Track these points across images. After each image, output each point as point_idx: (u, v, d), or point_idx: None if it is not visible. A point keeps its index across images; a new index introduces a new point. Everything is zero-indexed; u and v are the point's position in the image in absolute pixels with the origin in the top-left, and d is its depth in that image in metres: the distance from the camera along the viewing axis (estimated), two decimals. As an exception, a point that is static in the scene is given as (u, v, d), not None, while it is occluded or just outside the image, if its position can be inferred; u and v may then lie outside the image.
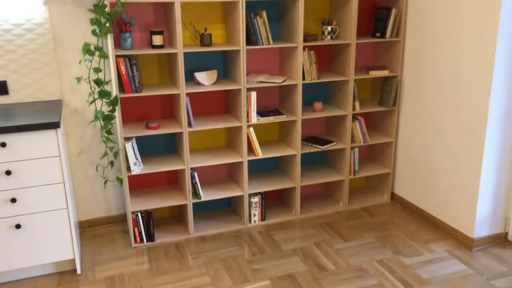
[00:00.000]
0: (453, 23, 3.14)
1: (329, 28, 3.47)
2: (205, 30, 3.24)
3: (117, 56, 2.99)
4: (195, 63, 3.44)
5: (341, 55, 3.60)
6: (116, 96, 2.99)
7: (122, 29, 3.06)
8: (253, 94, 3.33)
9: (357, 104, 3.65)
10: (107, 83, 2.98)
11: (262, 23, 3.23)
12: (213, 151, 3.58)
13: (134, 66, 3.03)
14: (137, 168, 3.16)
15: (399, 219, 3.69)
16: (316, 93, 3.85)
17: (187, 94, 3.47)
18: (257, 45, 3.25)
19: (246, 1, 3.35)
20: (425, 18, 3.39)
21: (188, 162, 3.29)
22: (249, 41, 3.26)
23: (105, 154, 3.10)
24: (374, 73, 3.65)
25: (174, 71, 3.22)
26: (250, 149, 3.51)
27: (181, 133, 3.26)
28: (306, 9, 3.60)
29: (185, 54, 3.39)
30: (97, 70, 2.92)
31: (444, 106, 3.31)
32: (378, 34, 3.63)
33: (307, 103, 3.85)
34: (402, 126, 3.77)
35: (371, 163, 4.07)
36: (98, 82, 2.95)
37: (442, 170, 3.40)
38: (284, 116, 3.48)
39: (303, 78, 3.45)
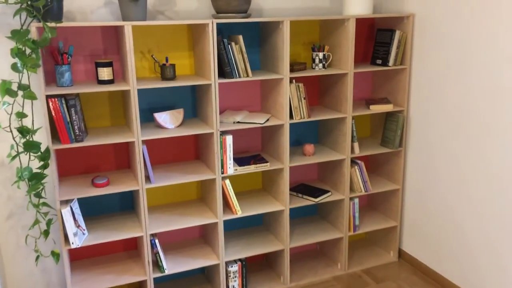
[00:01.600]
0: (468, 48, 2.53)
1: (321, 54, 2.84)
2: (166, 60, 2.57)
3: (48, 97, 2.29)
4: (157, 100, 2.76)
5: (336, 87, 2.97)
6: (47, 148, 2.29)
7: (57, 61, 2.37)
8: (229, 139, 2.65)
9: (356, 145, 3.00)
10: (35, 131, 2.28)
11: (238, 50, 2.57)
12: (181, 208, 2.87)
13: (73, 108, 2.34)
14: (78, 239, 2.44)
15: (409, 285, 3.01)
16: (306, 133, 3.19)
17: (144, 142, 2.77)
18: (232, 77, 2.59)
19: (217, 24, 2.70)
20: (435, 42, 2.78)
21: (147, 227, 2.58)
22: (222, 73, 2.60)
23: (36, 222, 2.38)
24: (376, 108, 3.01)
25: (128, 112, 2.53)
26: (227, 205, 2.82)
27: (137, 191, 2.56)
28: (293, 32, 2.96)
29: (143, 90, 2.71)
30: (21, 115, 2.22)
31: (463, 147, 2.67)
32: (379, 61, 3.01)
33: (296, 144, 3.19)
34: (410, 170, 3.13)
35: (374, 213, 3.41)
36: (22, 131, 2.25)
37: (462, 225, 2.75)
38: (268, 164, 2.80)
39: (291, 117, 2.79)
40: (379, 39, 3.03)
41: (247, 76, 2.63)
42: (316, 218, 3.34)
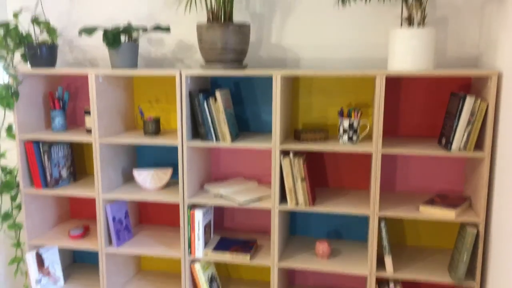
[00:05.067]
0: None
1: (346, 122, 2.05)
2: (140, 112, 2.31)
3: (24, 140, 2.32)
4: (152, 156, 2.49)
5: (360, 169, 2.10)
6: (17, 191, 2.33)
7: (51, 106, 2.40)
8: (198, 214, 2.16)
9: (388, 260, 2.02)
10: (11, 172, 2.34)
11: (217, 109, 2.09)
12: (148, 279, 2.49)
13: (46, 154, 2.31)
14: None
15: None
16: (323, 219, 2.34)
17: (109, 201, 2.48)
18: (207, 140, 2.12)
19: (189, 77, 2.26)
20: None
21: (99, 296, 2.31)
22: (197, 133, 2.16)
23: (16, 259, 2.41)
24: (427, 212, 1.98)
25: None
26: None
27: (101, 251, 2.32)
28: (330, 87, 2.25)
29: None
30: (1, 155, 2.32)
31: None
32: (443, 140, 1.98)
33: (302, 233, 2.38)
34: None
35: None
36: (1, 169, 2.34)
37: None
38: (248, 257, 2.15)
39: (283, 200, 2.09)
40: (449, 108, 2.01)
41: (224, 140, 2.10)
42: None
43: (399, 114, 2.19)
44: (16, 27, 2.23)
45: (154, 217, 2.55)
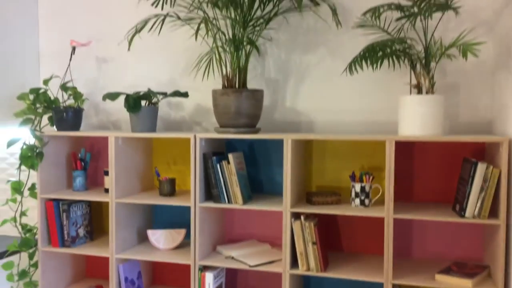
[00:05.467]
0: None
1: (358, 186, 2.06)
2: (156, 172, 2.36)
3: (45, 199, 2.40)
4: (168, 216, 2.52)
5: (375, 230, 2.06)
6: (35, 249, 2.38)
7: (74, 166, 2.50)
8: (209, 276, 2.14)
9: (404, 332, 1.93)
10: (30, 230, 2.41)
11: (229, 171, 2.13)
12: None
13: (65, 213, 2.38)
14: None
15: None
16: (328, 287, 2.28)
17: (123, 260, 2.48)
18: (220, 202, 2.14)
19: (204, 140, 2.33)
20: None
21: None
22: (210, 195, 2.19)
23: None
24: (446, 281, 1.91)
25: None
26: None
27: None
28: (331, 150, 2.27)
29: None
30: (22, 214, 2.40)
31: None
32: (457, 207, 1.95)
33: None
34: None
35: None
36: (22, 227, 2.41)
37: None
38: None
39: (295, 263, 2.06)
40: (462, 173, 1.99)
41: (236, 202, 2.12)
42: None
43: (413, 179, 2.18)
44: (45, 92, 2.38)
45: (168, 278, 2.54)
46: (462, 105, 2.14)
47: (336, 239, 2.27)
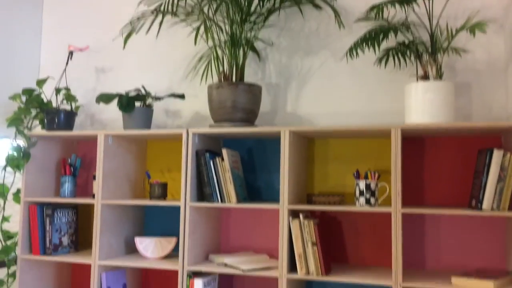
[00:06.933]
0: None
1: (362, 184, 1.88)
2: (147, 176, 2.22)
3: (30, 203, 2.25)
4: (160, 226, 2.34)
5: (379, 234, 1.86)
6: (14, 257, 2.21)
7: (62, 171, 2.37)
8: (198, 283, 1.93)
9: None
10: (11, 237, 2.25)
11: (223, 169, 1.98)
12: None
13: (48, 218, 2.22)
14: None
15: None
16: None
17: (107, 268, 2.25)
18: (212, 201, 1.98)
19: (197, 136, 2.18)
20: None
21: None
22: (202, 195, 2.03)
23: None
24: (464, 284, 1.68)
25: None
26: None
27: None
28: (334, 152, 2.11)
29: (137, 208, 2.37)
30: (5, 219, 2.25)
31: None
32: (472, 202, 1.76)
33: None
34: None
35: None
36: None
37: None
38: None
39: (293, 268, 1.85)
40: (477, 167, 1.81)
41: (230, 202, 1.95)
42: None
43: (424, 182, 2.00)
44: (38, 94, 2.30)
45: (156, 296, 2.31)
46: (475, 105, 2.00)
47: (340, 248, 2.05)
